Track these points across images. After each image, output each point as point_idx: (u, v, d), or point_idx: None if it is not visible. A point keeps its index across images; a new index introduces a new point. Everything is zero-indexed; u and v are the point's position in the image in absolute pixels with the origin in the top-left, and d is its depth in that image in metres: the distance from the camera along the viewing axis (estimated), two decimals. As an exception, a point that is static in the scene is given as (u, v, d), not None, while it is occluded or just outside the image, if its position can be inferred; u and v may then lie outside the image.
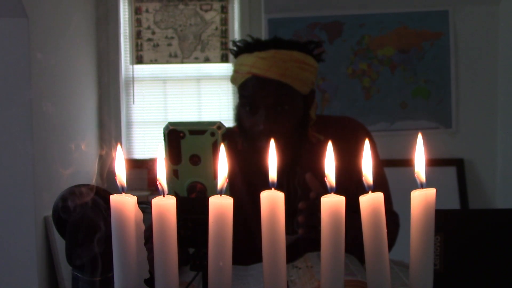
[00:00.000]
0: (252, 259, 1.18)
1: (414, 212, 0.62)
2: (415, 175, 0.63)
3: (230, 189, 1.32)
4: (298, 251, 1.33)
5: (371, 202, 0.61)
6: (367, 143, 0.63)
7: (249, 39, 1.40)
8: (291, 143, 1.35)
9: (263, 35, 3.07)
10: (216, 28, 3.44)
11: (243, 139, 1.39)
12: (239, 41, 1.42)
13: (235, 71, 1.37)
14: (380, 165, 1.43)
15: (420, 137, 0.63)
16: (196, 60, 3.44)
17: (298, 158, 1.38)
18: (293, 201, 1.37)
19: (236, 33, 3.41)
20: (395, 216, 1.43)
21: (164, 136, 0.79)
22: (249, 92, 1.31)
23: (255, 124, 1.31)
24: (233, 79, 1.39)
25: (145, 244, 0.63)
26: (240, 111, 1.36)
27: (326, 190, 0.62)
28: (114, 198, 0.60)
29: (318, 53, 1.39)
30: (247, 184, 1.41)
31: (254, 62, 1.31)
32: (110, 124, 3.38)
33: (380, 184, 1.40)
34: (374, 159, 1.34)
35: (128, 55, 3.45)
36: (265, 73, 1.29)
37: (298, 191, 1.37)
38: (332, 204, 0.60)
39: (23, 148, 2.31)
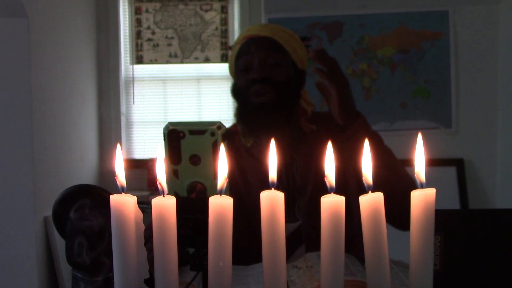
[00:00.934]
0: (251, 259, 1.18)
1: (414, 212, 0.62)
2: (415, 175, 0.62)
3: (230, 189, 1.32)
4: (300, 239, 1.33)
5: (371, 202, 0.61)
6: (366, 142, 0.63)
7: None
8: (287, 134, 1.38)
9: (263, 35, 3.07)
10: (216, 28, 3.44)
11: (239, 118, 1.40)
12: None
13: (233, 47, 1.43)
14: (382, 143, 1.46)
15: (420, 137, 0.63)
16: (196, 60, 3.44)
17: (294, 147, 1.40)
18: (292, 189, 1.38)
19: (236, 33, 3.41)
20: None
21: (164, 136, 0.79)
22: (244, 51, 1.38)
23: (249, 76, 1.35)
24: (231, 57, 1.43)
25: (145, 244, 0.63)
26: (237, 78, 1.41)
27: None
28: (114, 198, 0.60)
29: (306, 45, 1.46)
30: (247, 182, 1.41)
31: (249, 28, 1.42)
32: (110, 124, 3.38)
33: (391, 159, 1.43)
34: (376, 146, 1.36)
35: (128, 55, 3.45)
36: (259, 32, 1.38)
37: (296, 178, 1.39)
38: (332, 204, 0.60)
39: (23, 148, 2.31)
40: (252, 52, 1.36)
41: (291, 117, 1.39)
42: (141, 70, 3.46)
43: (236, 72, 1.41)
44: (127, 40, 3.44)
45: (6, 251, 2.32)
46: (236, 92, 1.41)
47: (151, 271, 0.62)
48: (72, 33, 2.99)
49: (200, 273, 0.79)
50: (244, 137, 1.43)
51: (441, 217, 0.84)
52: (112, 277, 0.62)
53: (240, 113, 1.41)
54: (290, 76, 1.38)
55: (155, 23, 3.44)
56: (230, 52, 1.45)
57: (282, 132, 1.36)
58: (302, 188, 1.39)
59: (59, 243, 2.50)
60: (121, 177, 0.61)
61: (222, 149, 0.62)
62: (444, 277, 0.90)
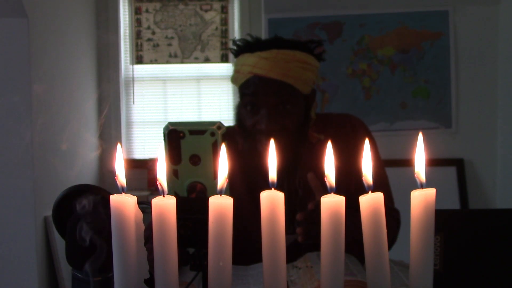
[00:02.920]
0: (251, 259, 1.18)
1: (414, 212, 0.62)
2: (415, 175, 0.62)
3: (230, 189, 1.32)
4: (298, 251, 1.32)
5: (371, 202, 0.61)
6: (367, 142, 0.63)
7: (249, 38, 1.39)
8: (291, 143, 1.34)
9: (263, 35, 3.07)
10: (216, 28, 3.44)
11: (244, 139, 1.38)
12: (240, 40, 1.41)
13: (236, 71, 1.36)
14: (380, 162, 1.43)
15: (420, 137, 0.63)
16: (196, 60, 3.44)
17: (298, 158, 1.38)
18: (294, 201, 1.37)
19: (236, 33, 3.41)
20: (395, 213, 1.42)
21: (164, 136, 0.79)
22: (250, 91, 1.31)
23: (257, 123, 1.31)
24: (234, 79, 1.38)
25: (145, 244, 0.63)
26: (241, 111, 1.36)
27: (326, 192, 0.62)
28: (114, 198, 0.60)
29: (319, 52, 1.38)
30: (247, 184, 1.40)
31: (256, 62, 1.30)
32: (110, 124, 3.38)
33: (380, 181, 1.40)
34: (373, 157, 1.34)
35: (128, 55, 3.45)
36: (267, 73, 1.28)
37: (298, 191, 1.37)
38: (332, 204, 0.60)
39: (23, 148, 2.31)
40: (259, 95, 1.30)
41: (300, 132, 1.37)
42: (141, 70, 3.45)
43: (241, 107, 1.35)
44: (127, 40, 3.44)
45: (6, 251, 2.31)
46: (240, 123, 1.36)
47: (151, 271, 0.62)
48: (72, 33, 2.99)
49: (200, 273, 0.79)
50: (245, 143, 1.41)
51: (441, 217, 0.84)
52: (112, 277, 0.62)
53: (244, 139, 1.38)
54: (300, 117, 1.34)
55: (155, 23, 3.44)
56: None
57: (286, 143, 1.31)
58: (303, 200, 1.37)
59: (59, 243, 2.50)
60: (121, 177, 0.61)
61: (222, 149, 0.62)
62: (444, 277, 0.90)
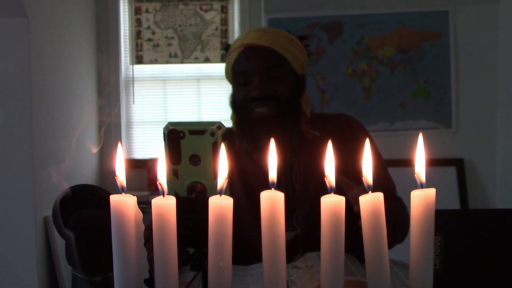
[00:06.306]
0: (251, 259, 1.18)
1: (414, 212, 0.62)
2: (415, 175, 0.62)
3: (230, 190, 1.32)
4: (297, 248, 1.33)
5: (371, 202, 0.61)
6: (367, 142, 0.63)
7: None
8: (288, 139, 1.36)
9: (263, 35, 3.07)
10: (216, 28, 3.44)
11: (242, 137, 1.39)
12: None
13: (229, 53, 1.40)
14: (380, 158, 1.44)
15: (420, 137, 0.63)
16: (196, 60, 3.44)
17: (294, 154, 1.39)
18: (291, 197, 1.37)
19: (236, 33, 3.41)
20: (401, 201, 1.41)
21: (164, 136, 0.79)
22: (241, 62, 1.35)
23: (249, 92, 1.33)
24: (226, 67, 1.41)
25: (145, 244, 0.63)
26: (234, 91, 1.39)
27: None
28: (114, 198, 0.60)
29: (305, 45, 1.44)
30: (246, 184, 1.41)
31: (246, 35, 1.38)
32: (110, 124, 3.38)
33: (383, 175, 1.40)
34: (373, 154, 1.34)
35: (128, 55, 3.45)
36: (257, 41, 1.34)
37: (295, 187, 1.38)
38: (332, 204, 0.60)
39: (23, 148, 2.31)
40: (250, 65, 1.33)
41: (294, 126, 1.38)
42: (141, 70, 3.45)
43: (234, 85, 1.39)
44: (127, 40, 3.44)
45: (6, 251, 2.31)
46: (235, 105, 1.39)
47: (151, 271, 0.62)
48: (72, 33, 2.99)
49: (200, 273, 0.79)
50: (243, 141, 1.41)
51: (441, 217, 0.84)
52: (112, 277, 0.62)
53: (239, 124, 1.39)
54: (291, 88, 1.36)
55: (155, 23, 3.44)
56: (226, 58, 1.42)
57: (282, 138, 1.32)
58: (301, 196, 1.37)
59: (59, 243, 2.50)
60: (121, 177, 0.61)
61: (222, 149, 0.62)
62: (444, 277, 0.90)
